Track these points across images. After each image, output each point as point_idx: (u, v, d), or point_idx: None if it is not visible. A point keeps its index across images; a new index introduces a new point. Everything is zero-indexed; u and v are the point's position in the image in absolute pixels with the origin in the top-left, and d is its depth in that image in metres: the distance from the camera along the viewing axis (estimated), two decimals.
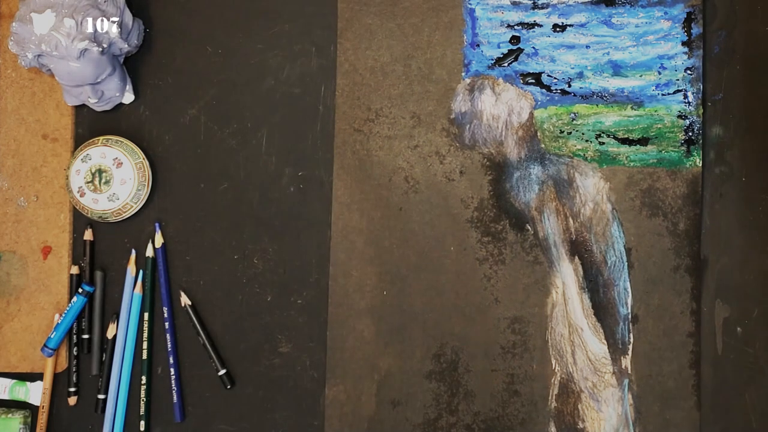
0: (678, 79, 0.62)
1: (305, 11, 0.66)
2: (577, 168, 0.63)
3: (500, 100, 0.63)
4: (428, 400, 0.63)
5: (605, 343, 0.62)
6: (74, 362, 0.66)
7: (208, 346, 0.65)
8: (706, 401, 0.62)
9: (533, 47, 0.63)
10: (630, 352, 0.62)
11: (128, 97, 0.66)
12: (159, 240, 0.66)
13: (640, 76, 0.62)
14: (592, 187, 0.63)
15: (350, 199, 0.64)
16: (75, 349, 0.66)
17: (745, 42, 0.62)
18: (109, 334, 0.66)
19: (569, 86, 0.63)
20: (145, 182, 0.65)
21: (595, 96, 0.63)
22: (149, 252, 0.66)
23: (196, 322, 0.65)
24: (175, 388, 0.65)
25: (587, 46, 0.63)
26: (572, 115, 0.63)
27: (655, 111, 0.62)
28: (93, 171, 0.65)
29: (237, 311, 0.66)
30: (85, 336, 0.66)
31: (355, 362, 0.64)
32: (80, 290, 0.65)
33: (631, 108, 0.63)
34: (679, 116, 0.62)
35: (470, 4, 0.64)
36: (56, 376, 0.67)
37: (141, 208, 0.66)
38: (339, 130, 0.65)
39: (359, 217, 0.64)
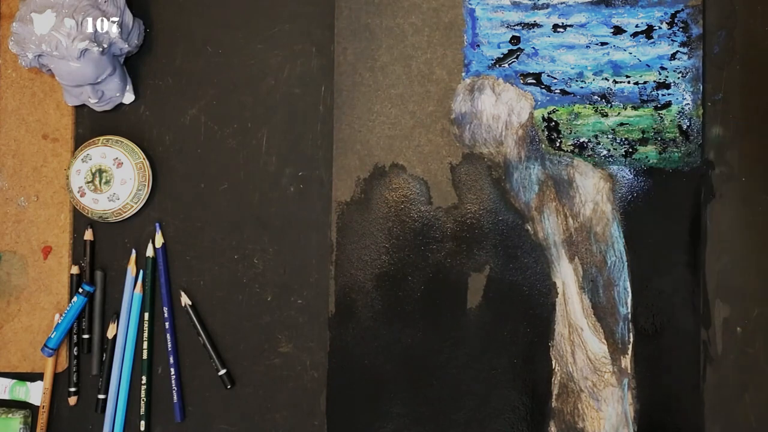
0: (678, 79, 0.62)
1: (305, 11, 0.66)
2: (577, 168, 0.63)
3: (500, 100, 0.63)
4: (428, 399, 0.63)
5: (605, 342, 0.62)
6: (74, 362, 0.66)
7: (208, 346, 0.65)
8: (707, 401, 0.62)
9: (533, 47, 0.63)
10: (630, 352, 0.62)
11: (128, 97, 0.66)
12: (159, 240, 0.66)
13: (640, 76, 0.62)
14: (592, 187, 0.63)
15: (350, 199, 0.64)
16: (75, 349, 0.66)
17: (745, 42, 0.62)
18: (110, 334, 0.66)
19: (569, 86, 0.63)
20: (146, 182, 0.65)
21: (595, 96, 0.63)
22: (149, 252, 0.66)
23: (196, 322, 0.65)
24: (175, 388, 0.66)
25: (587, 46, 0.63)
26: (572, 115, 0.63)
27: (655, 111, 0.62)
28: (93, 171, 0.65)
29: (237, 311, 0.66)
30: (86, 336, 0.66)
31: (355, 363, 0.64)
32: (80, 290, 0.65)
33: (631, 108, 0.63)
34: (679, 116, 0.62)
35: (470, 4, 0.64)
36: (56, 376, 0.67)
37: (141, 208, 0.66)
38: (339, 130, 0.65)
39: (359, 217, 0.64)
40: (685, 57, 0.62)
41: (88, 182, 0.65)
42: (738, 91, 0.62)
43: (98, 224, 0.67)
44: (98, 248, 0.67)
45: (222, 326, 0.66)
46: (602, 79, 0.63)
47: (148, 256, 0.66)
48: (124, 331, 0.66)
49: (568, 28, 0.63)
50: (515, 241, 0.63)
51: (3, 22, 0.68)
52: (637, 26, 0.62)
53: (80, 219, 0.67)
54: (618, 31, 0.62)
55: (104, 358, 0.66)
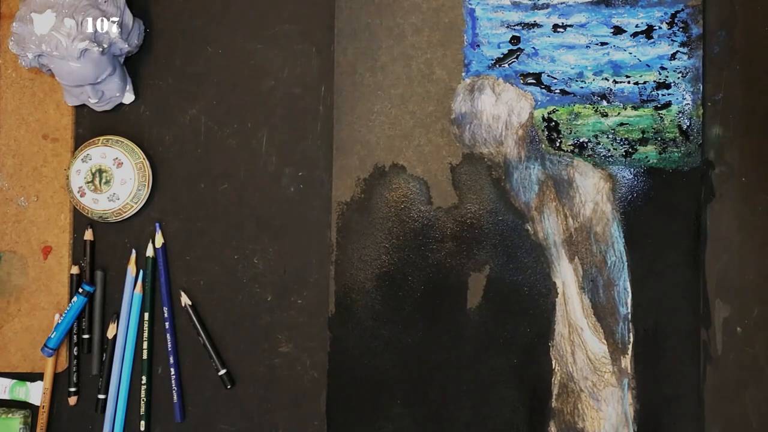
0: (678, 80, 0.62)
1: (305, 11, 0.66)
2: (577, 168, 0.63)
3: (500, 100, 0.63)
4: (428, 399, 0.63)
5: (605, 342, 0.62)
6: (74, 362, 0.66)
7: (208, 346, 0.65)
8: (706, 401, 0.62)
9: (533, 47, 0.63)
10: (630, 352, 0.62)
11: (128, 97, 0.66)
12: (159, 240, 0.66)
13: (640, 76, 0.62)
14: (592, 187, 0.63)
15: (350, 199, 0.64)
16: (75, 349, 0.66)
17: (745, 42, 0.62)
18: (110, 334, 0.66)
19: (569, 86, 0.63)
20: (146, 182, 0.65)
21: (595, 96, 0.63)
22: (149, 252, 0.66)
23: (196, 322, 0.65)
24: (175, 388, 0.66)
25: (587, 46, 0.63)
26: (572, 115, 0.63)
27: (655, 111, 0.62)
28: (93, 171, 0.65)
29: (237, 311, 0.66)
30: (86, 336, 0.66)
31: (355, 363, 0.64)
32: (80, 290, 0.65)
33: (631, 108, 0.63)
34: (679, 116, 0.62)
35: (470, 4, 0.64)
36: (56, 376, 0.67)
37: (141, 208, 0.66)
38: (339, 130, 0.65)
39: (359, 217, 0.64)
40: (685, 57, 0.62)
41: (88, 182, 0.65)
42: (738, 91, 0.62)
43: (98, 224, 0.67)
44: (98, 248, 0.67)
45: (222, 326, 0.66)
46: (602, 79, 0.63)
47: (148, 256, 0.66)
48: (124, 331, 0.66)
49: (568, 28, 0.63)
50: (515, 241, 0.63)
51: (3, 22, 0.68)
52: (637, 26, 0.62)
53: (80, 219, 0.67)
54: (618, 31, 0.62)
55: (104, 358, 0.66)
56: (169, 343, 0.66)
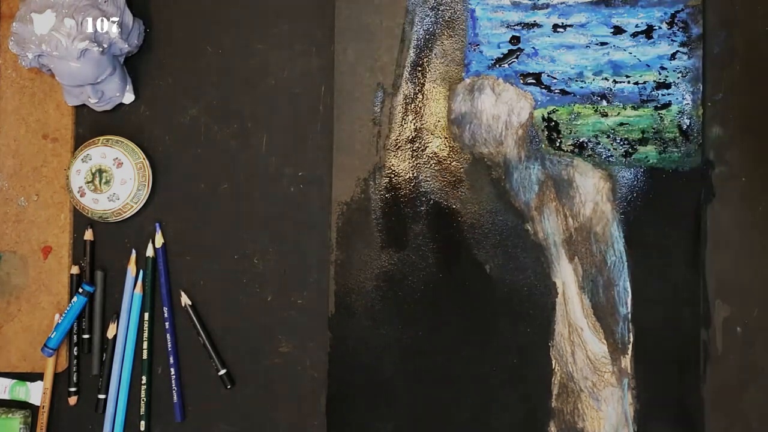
0: (678, 79, 0.62)
1: (305, 11, 0.66)
2: (577, 168, 0.63)
3: (500, 100, 0.63)
4: (428, 399, 0.63)
5: (605, 342, 0.62)
6: (74, 362, 0.66)
7: (208, 346, 0.65)
8: (706, 401, 0.62)
9: (533, 47, 0.63)
10: (630, 352, 0.62)
11: (128, 97, 0.66)
12: (159, 240, 0.66)
13: (640, 76, 0.62)
14: (591, 187, 0.63)
15: (350, 199, 0.64)
16: (75, 349, 0.66)
17: (745, 42, 0.62)
18: (110, 334, 0.66)
19: (569, 86, 0.63)
20: (146, 182, 0.65)
21: (595, 96, 0.63)
22: (149, 252, 0.66)
23: (196, 322, 0.65)
24: (175, 388, 0.66)
25: (587, 46, 0.63)
26: (572, 115, 0.63)
27: (655, 111, 0.62)
28: (93, 171, 0.65)
29: (237, 311, 0.66)
30: (86, 336, 0.66)
31: (355, 363, 0.64)
32: (80, 290, 0.65)
33: (631, 108, 0.63)
34: (679, 116, 0.62)
35: (470, 4, 0.64)
36: (56, 376, 0.67)
37: (141, 208, 0.66)
38: (339, 130, 0.65)
39: (359, 217, 0.64)
40: (685, 57, 0.62)
41: (88, 182, 0.65)
42: (738, 91, 0.62)
43: (98, 224, 0.67)
44: (98, 248, 0.67)
45: (222, 326, 0.66)
46: (602, 79, 0.63)
47: (148, 256, 0.66)
48: (124, 331, 0.66)
49: (568, 28, 0.63)
50: (515, 241, 0.63)
51: (3, 22, 0.68)
52: (637, 26, 0.62)
53: (80, 219, 0.67)
54: (618, 31, 0.62)
55: (104, 358, 0.66)
56: (169, 343, 0.66)
